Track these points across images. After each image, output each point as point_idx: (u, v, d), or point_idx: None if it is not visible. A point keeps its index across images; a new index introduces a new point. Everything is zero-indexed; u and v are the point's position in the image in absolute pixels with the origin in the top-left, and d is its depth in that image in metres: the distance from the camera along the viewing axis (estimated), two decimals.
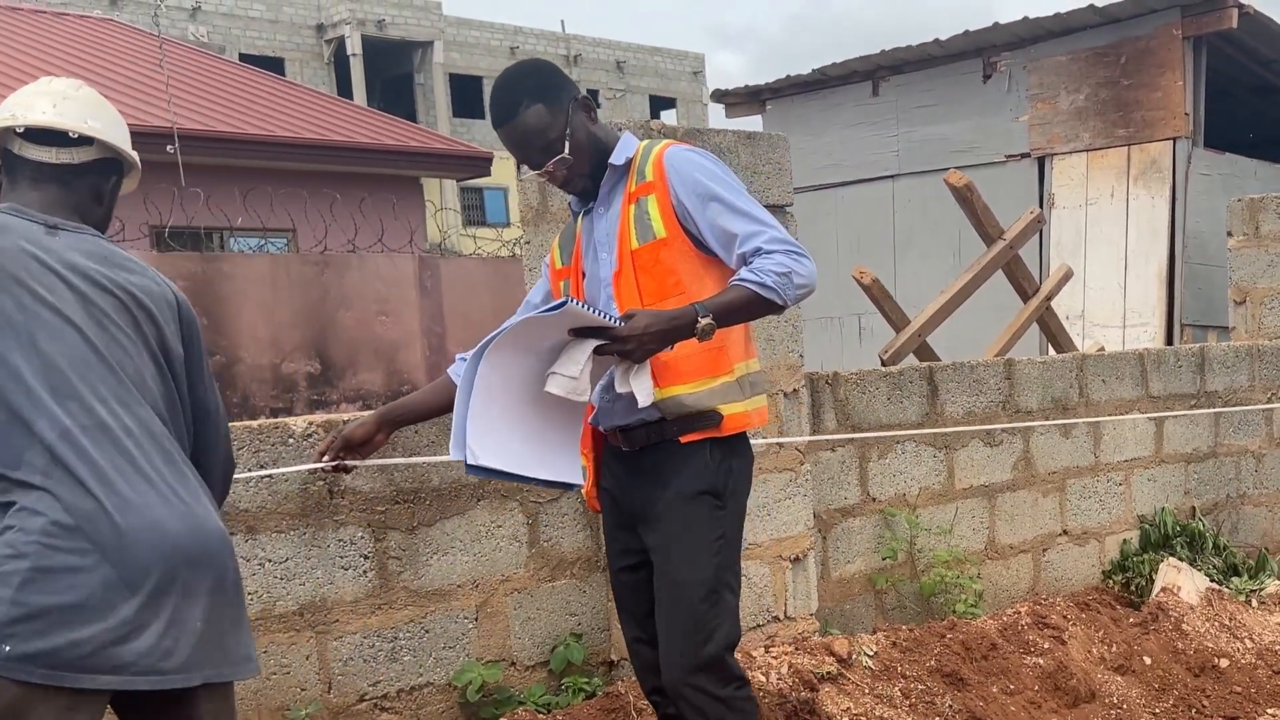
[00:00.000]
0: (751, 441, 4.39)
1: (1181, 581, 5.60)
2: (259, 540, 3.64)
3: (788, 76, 13.17)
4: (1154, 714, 4.77)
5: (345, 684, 3.80)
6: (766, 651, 4.42)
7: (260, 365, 10.57)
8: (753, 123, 13.69)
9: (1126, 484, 6.22)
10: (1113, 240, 11.28)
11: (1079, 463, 6.00)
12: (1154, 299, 11.04)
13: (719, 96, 13.71)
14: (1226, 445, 6.71)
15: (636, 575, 3.23)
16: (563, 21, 42.13)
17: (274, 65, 30.79)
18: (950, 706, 4.40)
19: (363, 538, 3.80)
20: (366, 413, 3.47)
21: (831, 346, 12.76)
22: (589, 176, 3.14)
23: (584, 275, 3.19)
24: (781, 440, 4.58)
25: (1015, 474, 5.73)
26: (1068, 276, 7.15)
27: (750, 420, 3.11)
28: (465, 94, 38.29)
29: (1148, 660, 5.06)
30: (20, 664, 2.07)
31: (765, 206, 4.42)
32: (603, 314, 2.88)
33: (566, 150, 3.05)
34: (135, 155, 2.62)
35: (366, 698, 3.84)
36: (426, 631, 3.95)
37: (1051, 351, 7.94)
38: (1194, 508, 6.48)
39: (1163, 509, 6.28)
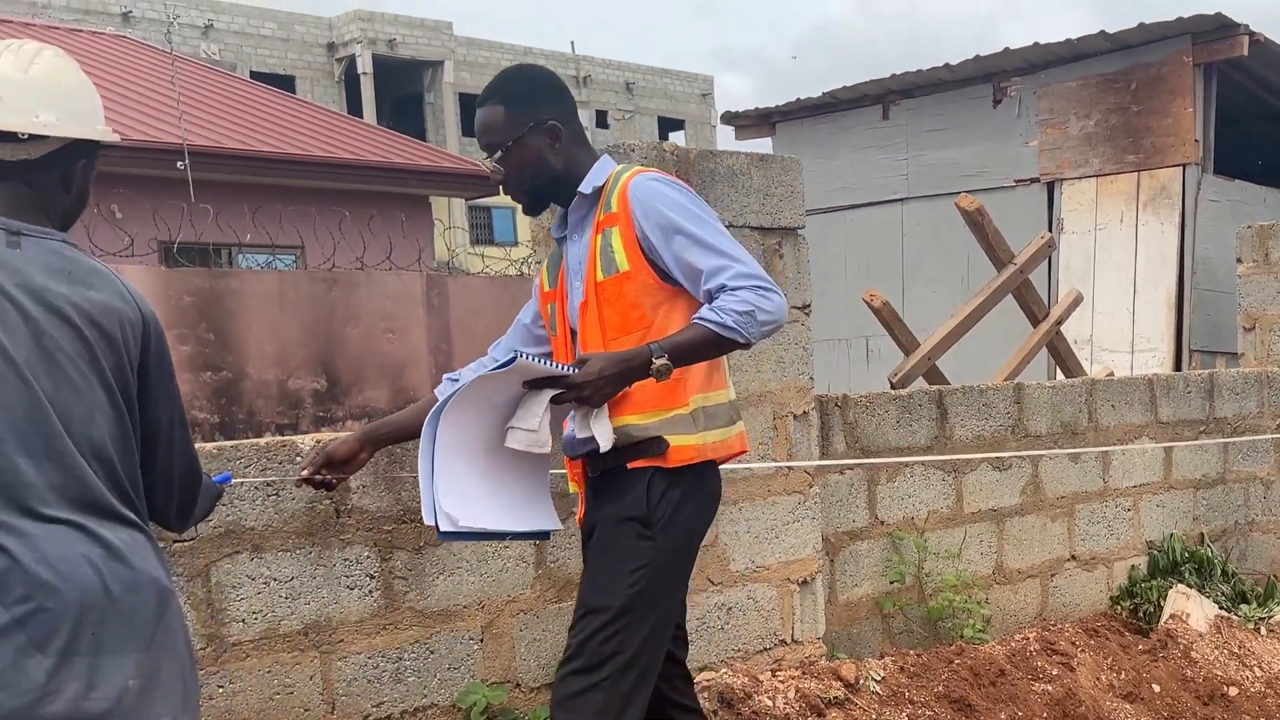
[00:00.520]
0: (759, 465, 4.43)
1: (1190, 608, 5.57)
2: (265, 559, 3.60)
3: (798, 99, 13.20)
4: None
5: (349, 704, 3.77)
6: (773, 675, 4.40)
7: (266, 381, 10.53)
8: (762, 145, 13.72)
9: (1135, 510, 6.20)
10: (1122, 265, 11.28)
11: (1088, 488, 5.98)
12: (1163, 324, 11.04)
13: (729, 118, 13.73)
14: (1235, 472, 6.69)
15: None
16: (572, 43, 42.31)
17: (285, 83, 30.93)
18: None
19: (369, 557, 3.78)
20: (345, 433, 3.45)
21: (839, 368, 12.75)
22: (529, 194, 3.13)
23: (566, 300, 3.16)
24: (790, 463, 4.57)
25: (1024, 498, 5.71)
26: (1078, 301, 7.14)
27: (703, 453, 3.02)
28: (474, 113, 38.46)
29: (1157, 688, 5.03)
30: None
31: (777, 229, 4.49)
32: (552, 362, 2.89)
33: (501, 156, 3.06)
34: (104, 131, 2.40)
35: (370, 718, 3.80)
36: (431, 652, 3.92)
37: (1060, 375, 7.93)
38: (1202, 534, 6.46)
39: (1171, 535, 6.26)
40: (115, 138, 2.40)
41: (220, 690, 3.51)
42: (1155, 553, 6.18)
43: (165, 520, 2.50)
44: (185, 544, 3.44)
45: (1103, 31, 11.10)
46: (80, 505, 2.13)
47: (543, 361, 2.87)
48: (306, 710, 3.68)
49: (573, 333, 3.13)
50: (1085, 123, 11.44)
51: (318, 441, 3.69)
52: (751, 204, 4.46)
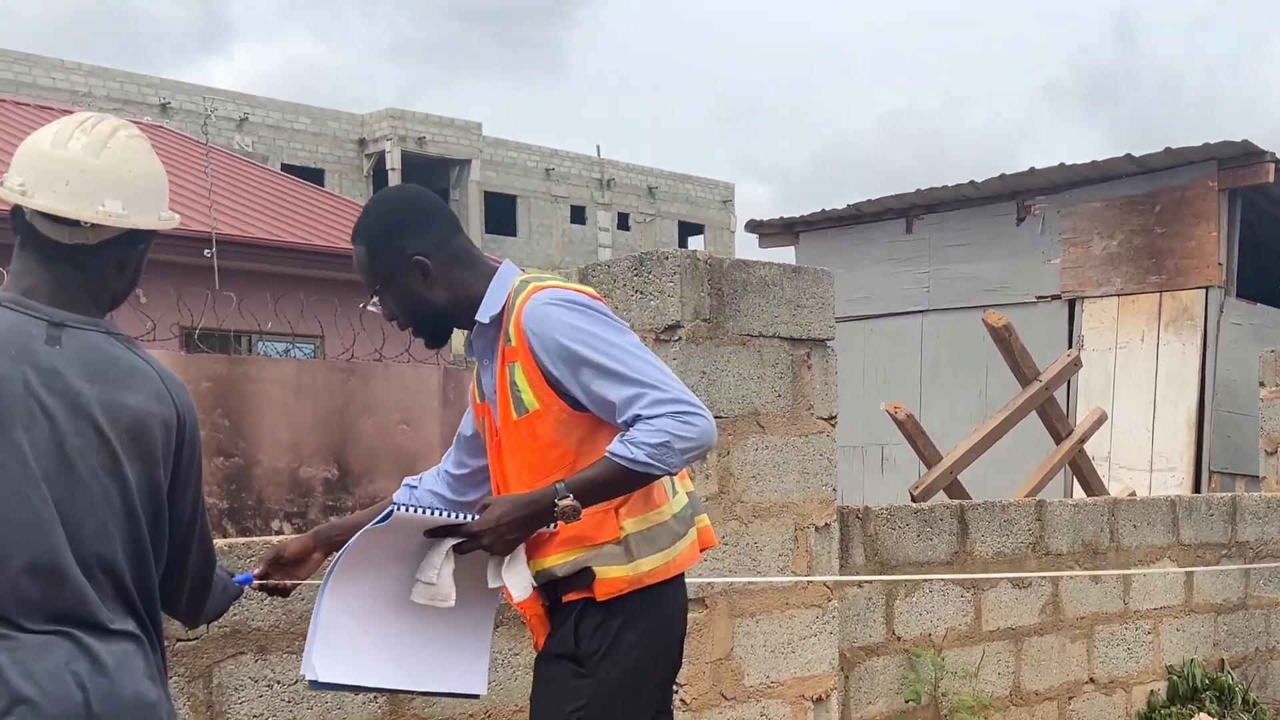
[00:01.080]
0: (778, 578, 4.39)
1: None
2: (269, 660, 3.55)
3: (822, 210, 13.32)
4: None
5: None
6: None
7: (278, 469, 10.51)
8: (785, 254, 13.83)
9: (1155, 633, 6.12)
10: (1142, 384, 11.30)
11: (1108, 608, 5.91)
12: (1182, 445, 11.02)
13: (753, 226, 13.87)
14: (1257, 597, 6.62)
15: None
16: (598, 146, 42.89)
17: (314, 176, 31.43)
18: None
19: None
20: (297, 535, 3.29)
21: (853, 475, 12.71)
22: (418, 330, 2.89)
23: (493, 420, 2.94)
24: (810, 578, 4.53)
25: (1043, 618, 5.65)
26: (1101, 420, 7.14)
27: (638, 582, 2.78)
28: (499, 212, 38.92)
29: None
30: None
31: (807, 340, 4.49)
32: (442, 512, 2.74)
33: (376, 298, 2.85)
34: (169, 218, 2.34)
35: None
36: None
37: (1080, 493, 7.88)
38: (1223, 660, 6.37)
39: (1192, 660, 6.18)
40: (176, 221, 2.34)
41: None
42: (1175, 678, 6.09)
43: (176, 611, 2.47)
44: (189, 643, 3.38)
45: (1128, 155, 11.23)
46: (73, 620, 2.09)
47: (432, 512, 2.73)
48: None
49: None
50: (1109, 242, 11.52)
51: (294, 535, 3.63)
52: (782, 314, 4.47)
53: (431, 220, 2.85)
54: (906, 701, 5.07)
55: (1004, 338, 6.44)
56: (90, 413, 2.14)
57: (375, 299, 2.85)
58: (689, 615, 3.04)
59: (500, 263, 2.89)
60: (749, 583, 4.36)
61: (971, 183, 12.09)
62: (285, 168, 30.06)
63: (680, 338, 4.21)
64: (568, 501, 2.60)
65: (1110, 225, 11.53)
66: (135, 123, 14.69)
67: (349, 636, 2.79)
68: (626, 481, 2.65)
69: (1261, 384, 7.24)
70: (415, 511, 2.73)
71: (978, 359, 11.75)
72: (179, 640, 3.36)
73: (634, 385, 2.61)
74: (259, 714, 3.52)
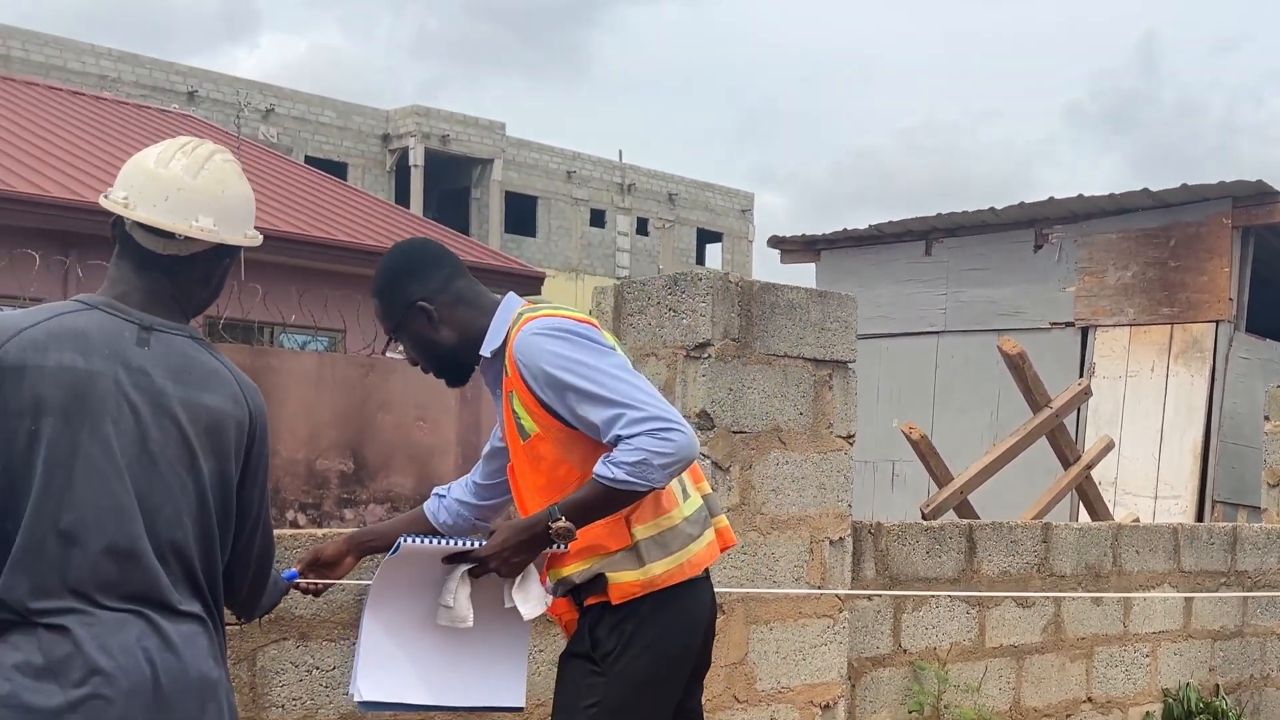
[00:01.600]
0: (792, 589, 4.59)
1: None
2: (309, 647, 3.72)
3: (844, 230, 13.54)
4: None
5: None
6: None
7: (295, 460, 10.69)
8: (806, 270, 14.02)
9: (1153, 656, 6.30)
10: (1150, 413, 11.48)
11: (1108, 630, 6.09)
12: (1187, 473, 11.19)
13: (776, 242, 14.07)
14: (1254, 625, 6.79)
15: None
16: (620, 151, 43.02)
17: (337, 169, 31.60)
18: None
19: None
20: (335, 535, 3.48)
21: (864, 490, 12.89)
22: (439, 371, 3.12)
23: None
24: (822, 590, 4.73)
25: (1045, 637, 5.83)
26: (1109, 448, 7.33)
27: (651, 585, 2.95)
28: (519, 212, 39.08)
29: None
30: None
31: (829, 362, 4.70)
32: (448, 541, 2.94)
33: (397, 344, 3.10)
34: (253, 237, 2.53)
35: None
36: None
37: (1085, 517, 8.07)
38: (1218, 685, 6.54)
39: (1187, 684, 6.34)
40: (259, 240, 2.54)
41: None
42: (1171, 701, 6.25)
43: (236, 601, 2.65)
44: (235, 628, 3.49)
45: (1146, 189, 11.43)
46: (146, 601, 2.27)
47: (438, 541, 2.94)
48: None
49: None
50: (1123, 273, 11.71)
51: (330, 538, 3.80)
52: (807, 336, 4.67)
53: (431, 267, 3.06)
54: (910, 712, 5.25)
55: (1018, 365, 6.64)
56: (172, 410, 2.33)
57: (397, 345, 3.09)
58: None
59: (504, 296, 3.09)
60: (764, 592, 4.56)
61: (991, 209, 12.30)
62: (309, 160, 30.26)
63: (710, 355, 4.41)
64: (560, 524, 2.79)
65: (1125, 256, 11.72)
66: (165, 111, 14.99)
67: (390, 657, 3.00)
68: (612, 500, 2.81)
69: (1266, 418, 7.41)
70: (423, 541, 2.93)
71: (991, 381, 11.94)
72: (227, 624, 3.55)
73: (613, 406, 2.77)
74: (298, 697, 3.68)
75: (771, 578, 4.56)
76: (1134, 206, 11.67)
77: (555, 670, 3.13)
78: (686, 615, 3.03)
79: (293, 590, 3.17)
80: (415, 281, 3.03)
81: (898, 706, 5.26)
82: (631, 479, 2.75)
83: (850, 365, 4.87)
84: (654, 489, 2.81)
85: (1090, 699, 6.03)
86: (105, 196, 2.42)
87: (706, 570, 3.10)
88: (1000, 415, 11.87)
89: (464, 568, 2.91)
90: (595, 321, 3.02)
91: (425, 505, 3.35)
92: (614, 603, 2.94)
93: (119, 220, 2.42)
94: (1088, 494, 7.17)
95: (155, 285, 2.42)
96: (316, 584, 3.22)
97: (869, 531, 5.14)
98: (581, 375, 2.82)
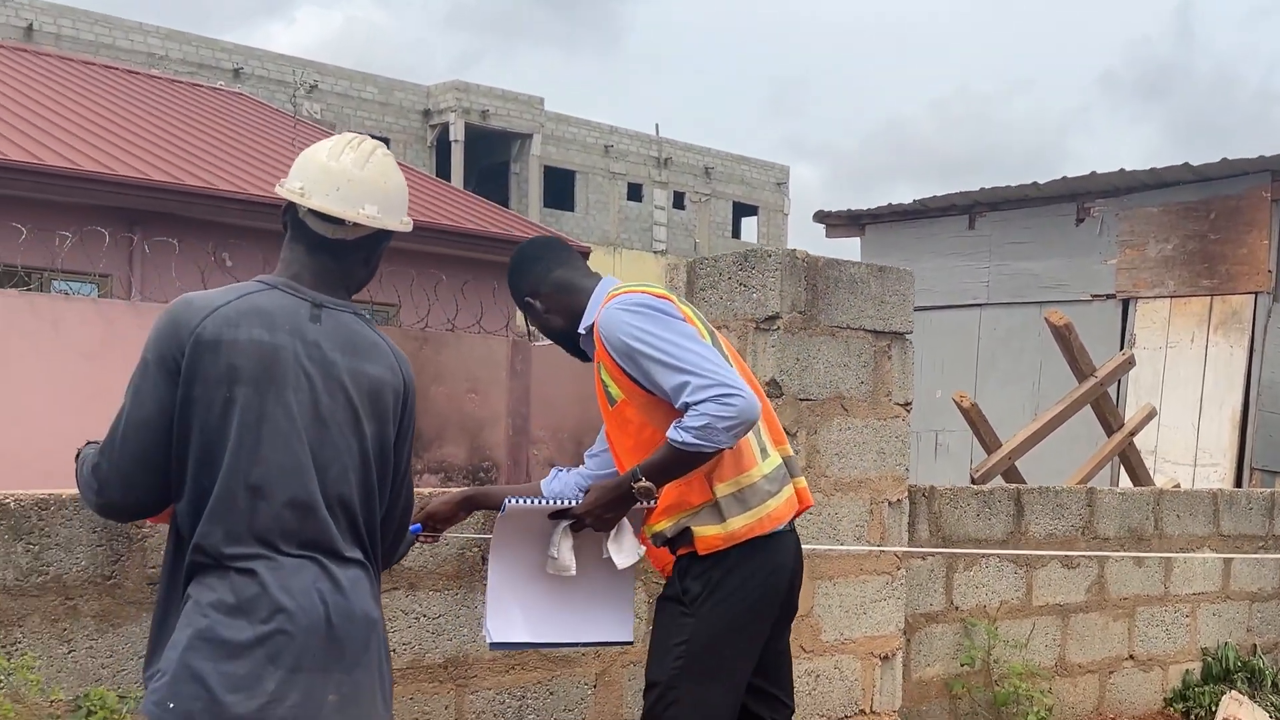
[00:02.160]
0: (854, 547, 4.89)
1: (1242, 715, 5.92)
2: (417, 596, 4.03)
3: (889, 205, 13.76)
4: None
5: None
6: None
7: None
8: (851, 245, 14.22)
9: (1193, 616, 6.56)
10: (1190, 383, 11.66)
11: (1149, 591, 6.35)
12: (1226, 442, 11.39)
13: (821, 217, 14.29)
14: None
15: None
16: (657, 125, 43.04)
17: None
18: None
19: None
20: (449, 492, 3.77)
21: (908, 458, 13.09)
22: (566, 349, 3.52)
23: None
24: (882, 547, 5.02)
25: (1089, 596, 6.10)
26: (1151, 416, 7.56)
27: (731, 538, 3.24)
28: (558, 187, 39.28)
29: None
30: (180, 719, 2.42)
31: (888, 333, 4.99)
32: (549, 500, 3.31)
33: (531, 328, 3.53)
34: (407, 223, 2.77)
35: None
36: (551, 693, 4.32)
37: (1125, 483, 8.32)
38: (1255, 645, 6.78)
39: (1225, 644, 6.58)
40: (411, 226, 2.81)
41: None
42: (1209, 659, 6.50)
43: (378, 550, 2.90)
44: None
45: (1186, 164, 11.59)
46: (319, 548, 2.57)
47: (539, 501, 3.32)
48: None
49: None
50: (1163, 246, 11.89)
51: (445, 495, 4.11)
52: (867, 309, 4.95)
53: (532, 264, 3.47)
54: (961, 665, 5.54)
55: (1064, 335, 6.88)
56: (340, 379, 2.62)
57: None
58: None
59: (603, 278, 3.47)
60: (829, 549, 4.86)
61: (1034, 183, 12.48)
62: None
63: (779, 327, 4.69)
64: (641, 484, 3.13)
65: (1166, 229, 11.90)
66: (218, 89, 15.30)
67: (512, 604, 3.38)
68: (684, 461, 3.11)
69: None
70: (526, 502, 3.30)
71: (1033, 352, 12.15)
72: None
73: (681, 373, 3.08)
74: (407, 642, 3.99)
75: (835, 536, 4.85)
76: (1174, 180, 11.82)
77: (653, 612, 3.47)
78: (769, 565, 3.32)
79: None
80: (521, 279, 3.46)
81: (950, 660, 5.55)
82: (700, 441, 3.04)
83: (908, 336, 5.13)
84: (721, 449, 3.09)
85: (1132, 656, 6.30)
86: (281, 185, 2.70)
87: (791, 524, 3.43)
88: (1041, 386, 12.08)
89: (565, 523, 3.29)
90: (671, 296, 3.35)
91: (544, 482, 3.67)
92: (701, 553, 3.26)
93: (290, 208, 2.69)
94: (1130, 460, 7.41)
95: (324, 266, 2.68)
96: (436, 535, 3.57)
97: (923, 495, 5.42)
98: (652, 344, 3.13)
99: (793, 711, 3.60)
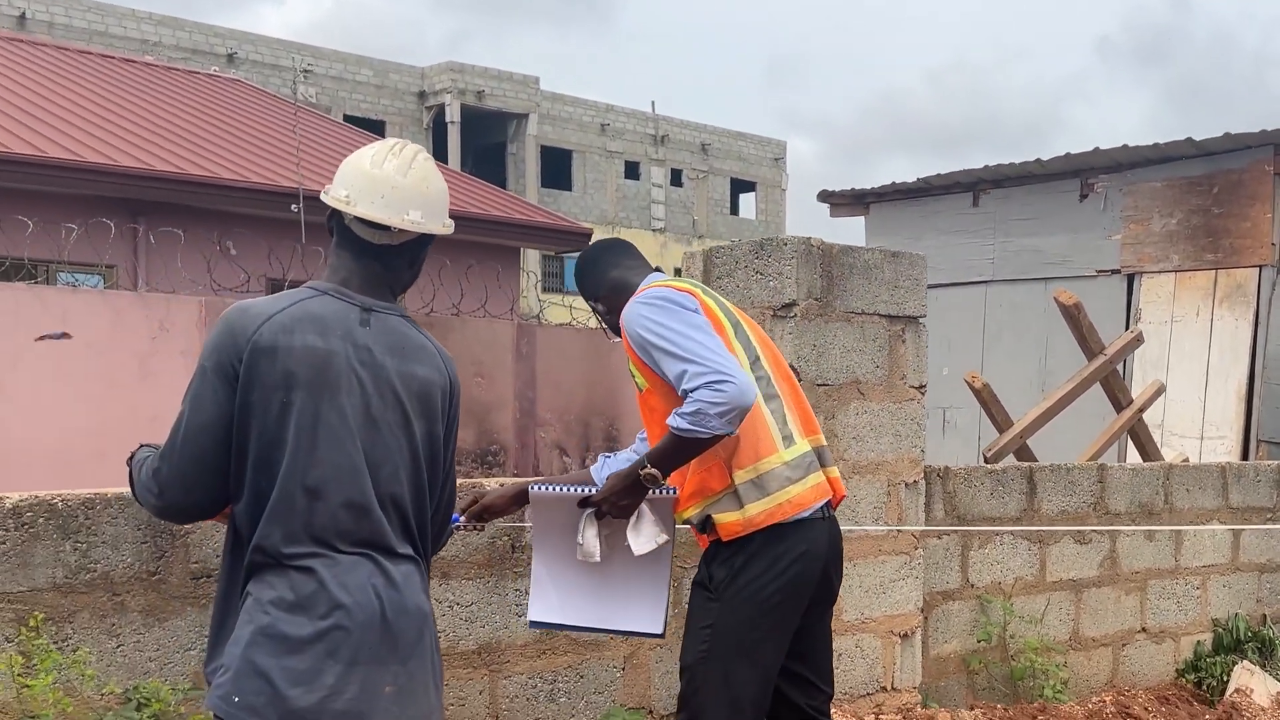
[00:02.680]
0: (872, 527, 4.97)
1: (1254, 684, 6.01)
2: (450, 585, 4.13)
3: (892, 183, 13.81)
4: None
5: (510, 719, 4.27)
6: (877, 718, 4.91)
7: None
8: (855, 224, 14.29)
9: (1203, 588, 6.65)
10: (1195, 357, 11.74)
11: (1160, 565, 6.43)
12: (1232, 415, 11.47)
13: (825, 197, 14.34)
14: None
15: None
16: (653, 102, 43.04)
17: (375, 127, 31.85)
18: None
19: None
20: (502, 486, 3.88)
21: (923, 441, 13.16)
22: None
23: None
24: (900, 527, 5.11)
25: (1101, 571, 6.18)
26: (1160, 392, 7.63)
27: (750, 525, 3.30)
28: (555, 166, 39.25)
29: None
30: (244, 713, 2.50)
31: (902, 318, 5.06)
32: (571, 488, 3.41)
33: (604, 325, 3.65)
34: (449, 224, 2.81)
35: None
36: (581, 677, 4.43)
37: (1132, 458, 8.40)
38: (1265, 615, 6.86)
39: (1236, 615, 6.67)
40: (453, 228, 2.86)
41: None
42: (1220, 630, 6.58)
43: (429, 546, 2.97)
44: None
45: (1189, 138, 11.64)
46: (373, 545, 2.64)
47: (562, 489, 3.42)
48: None
49: None
50: (1168, 220, 11.95)
51: (500, 485, 4.22)
52: (881, 294, 5.03)
53: (591, 267, 3.64)
54: (978, 641, 5.63)
55: (1073, 315, 6.95)
56: (391, 381, 2.69)
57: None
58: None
59: (649, 274, 3.60)
60: (847, 530, 4.93)
61: (1037, 160, 12.53)
62: (347, 119, 30.52)
63: (795, 314, 4.76)
64: (647, 470, 3.20)
65: (1170, 204, 11.95)
66: (215, 76, 15.25)
67: (550, 586, 3.49)
68: (684, 448, 3.18)
69: None
70: (548, 489, 3.41)
71: (1039, 329, 12.22)
72: None
73: (681, 362, 3.16)
74: (441, 630, 4.04)
75: (853, 518, 4.92)
76: (1177, 155, 11.87)
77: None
78: (794, 551, 3.35)
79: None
80: (585, 283, 3.65)
81: (967, 636, 5.63)
82: (694, 427, 3.09)
83: (921, 320, 5.21)
84: (719, 435, 3.13)
85: (1144, 629, 6.39)
86: (326, 193, 2.76)
87: (824, 510, 3.47)
88: (1048, 362, 12.17)
89: (589, 511, 3.37)
90: (696, 290, 3.44)
91: (593, 468, 3.76)
92: (724, 539, 3.35)
93: (336, 214, 2.76)
94: (1139, 436, 7.48)
95: (370, 271, 2.75)
96: (482, 525, 3.67)
97: (938, 475, 5.50)
98: (659, 335, 3.23)
99: (830, 697, 3.64)
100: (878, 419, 5.07)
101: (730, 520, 3.32)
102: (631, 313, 3.32)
